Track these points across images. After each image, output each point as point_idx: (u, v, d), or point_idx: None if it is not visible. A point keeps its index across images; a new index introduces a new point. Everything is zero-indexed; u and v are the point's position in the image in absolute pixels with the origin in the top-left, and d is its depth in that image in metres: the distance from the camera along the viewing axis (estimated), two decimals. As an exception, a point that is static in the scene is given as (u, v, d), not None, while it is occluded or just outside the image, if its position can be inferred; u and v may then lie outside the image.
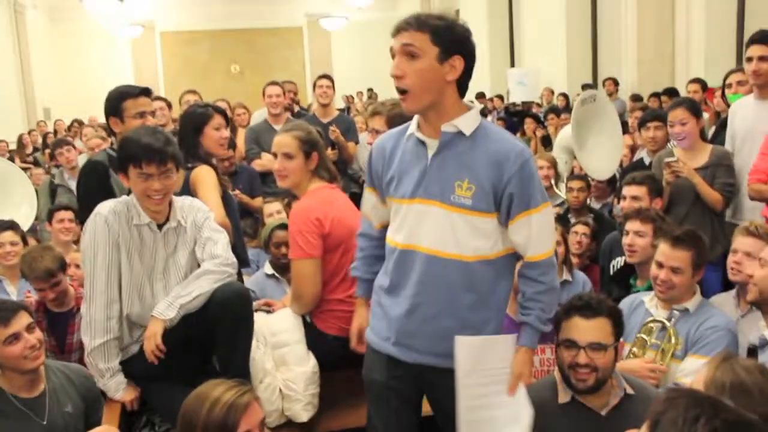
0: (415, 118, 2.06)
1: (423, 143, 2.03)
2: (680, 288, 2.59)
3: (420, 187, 2.01)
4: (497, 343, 2.05)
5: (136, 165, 2.40)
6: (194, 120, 3.22)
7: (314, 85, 5.74)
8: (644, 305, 2.69)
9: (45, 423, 2.43)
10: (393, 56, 1.96)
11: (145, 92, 3.15)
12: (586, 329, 2.11)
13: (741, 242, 2.77)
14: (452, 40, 1.93)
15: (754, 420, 1.02)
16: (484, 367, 2.03)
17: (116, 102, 3.08)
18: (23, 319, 2.39)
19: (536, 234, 2.00)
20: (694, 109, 3.72)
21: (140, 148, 2.39)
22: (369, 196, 2.27)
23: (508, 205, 1.97)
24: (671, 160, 3.63)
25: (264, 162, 4.92)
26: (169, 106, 5.75)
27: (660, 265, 2.61)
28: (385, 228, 2.20)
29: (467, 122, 1.99)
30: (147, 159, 2.38)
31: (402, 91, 1.95)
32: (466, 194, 1.96)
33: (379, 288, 2.18)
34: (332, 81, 5.70)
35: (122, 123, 3.06)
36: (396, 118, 2.64)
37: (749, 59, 3.56)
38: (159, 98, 5.55)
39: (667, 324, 2.54)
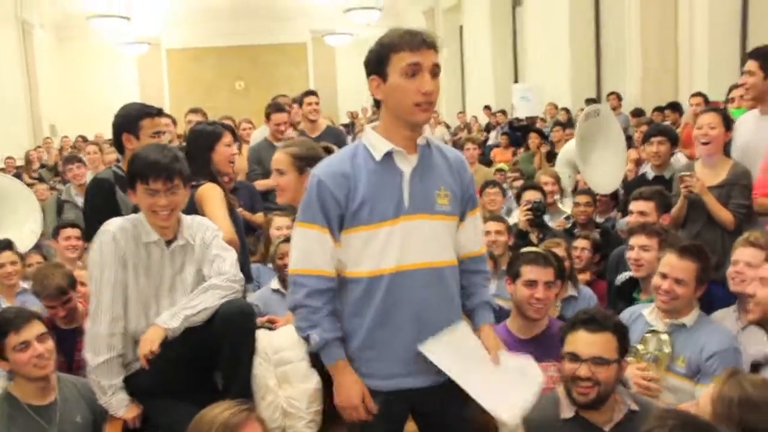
0: (377, 135, 2.04)
1: (391, 160, 2.03)
2: (682, 300, 2.58)
3: (401, 204, 2.01)
4: (456, 332, 2.09)
5: (143, 181, 2.42)
6: (207, 137, 3.23)
7: (301, 102, 5.72)
8: (644, 317, 2.68)
9: (55, 431, 2.48)
10: (415, 72, 1.93)
11: (161, 113, 3.20)
12: (589, 343, 2.10)
13: (741, 253, 2.78)
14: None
15: None
16: (463, 355, 2.06)
17: (135, 119, 3.10)
18: (35, 328, 2.47)
19: (480, 230, 2.24)
20: (726, 118, 3.68)
21: (147, 164, 2.42)
22: (321, 238, 2.01)
23: (464, 206, 2.13)
24: (685, 174, 3.60)
25: (266, 182, 4.93)
26: (174, 122, 5.79)
27: (664, 276, 2.60)
28: (337, 274, 2.07)
29: (430, 134, 2.12)
30: (154, 175, 2.40)
31: (429, 105, 1.98)
32: (444, 201, 2.07)
33: (360, 331, 2.05)
34: (318, 97, 5.70)
35: (137, 140, 3.09)
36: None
37: (743, 73, 3.64)
38: (164, 114, 5.57)
39: (662, 334, 2.54)
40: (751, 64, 3.55)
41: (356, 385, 2.05)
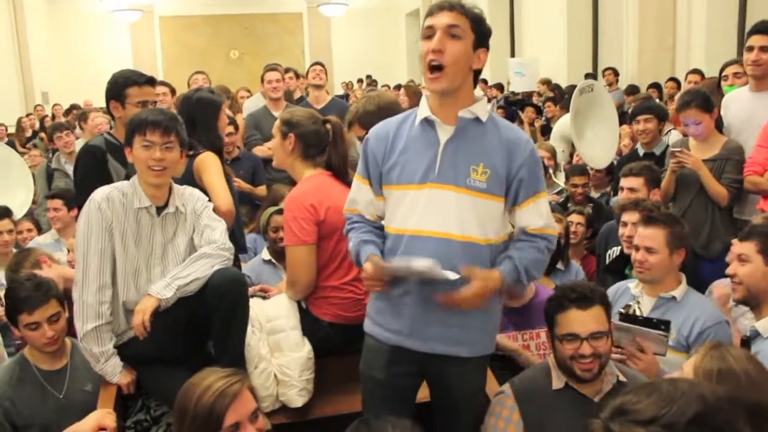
0: (425, 102, 2.08)
1: (433, 129, 2.05)
2: (658, 268, 2.61)
3: (431, 171, 2.03)
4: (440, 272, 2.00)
5: (140, 133, 2.46)
6: (213, 104, 3.27)
7: (307, 73, 5.96)
8: (629, 291, 2.72)
9: (62, 397, 2.53)
10: (428, 36, 1.97)
11: (151, 81, 3.16)
12: (585, 320, 2.12)
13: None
14: (484, 32, 2.04)
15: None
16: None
17: (121, 87, 3.08)
18: (50, 309, 2.53)
19: (547, 215, 2.11)
20: (706, 105, 3.63)
21: (146, 118, 2.49)
22: (362, 188, 2.20)
23: (516, 189, 2.06)
24: (676, 150, 3.61)
25: (264, 149, 4.92)
26: (173, 92, 5.74)
27: (637, 248, 2.66)
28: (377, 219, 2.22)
29: (482, 110, 2.07)
30: (152, 127, 2.45)
31: (436, 67, 1.97)
32: (481, 178, 2.02)
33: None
34: (325, 68, 5.91)
35: (123, 109, 3.07)
36: (365, 117, 2.72)
37: (750, 48, 3.55)
38: (163, 83, 5.55)
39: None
40: (763, 39, 3.49)
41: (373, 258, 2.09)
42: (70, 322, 2.62)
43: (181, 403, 1.83)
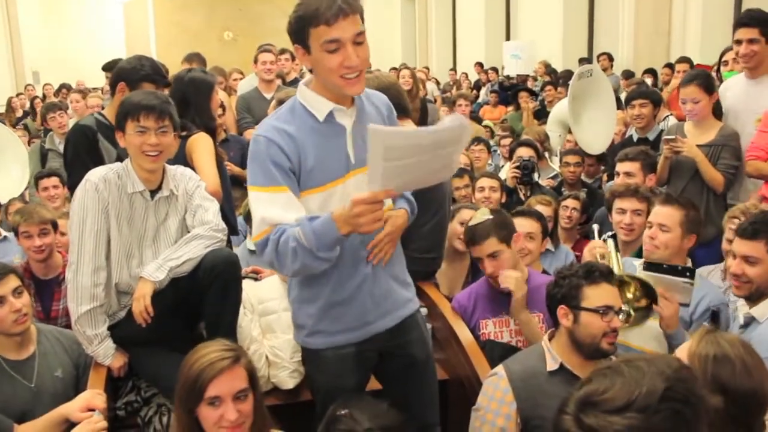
0: (315, 95, 1.96)
1: (332, 118, 1.98)
2: (669, 247, 2.62)
3: (349, 159, 1.99)
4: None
5: (133, 118, 2.41)
6: (206, 84, 3.24)
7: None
8: (635, 269, 2.70)
9: (33, 386, 2.43)
10: (336, 48, 1.84)
11: (167, 86, 3.12)
12: (615, 294, 2.18)
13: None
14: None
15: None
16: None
17: (139, 78, 3.03)
18: (10, 283, 2.38)
19: None
20: (707, 85, 3.60)
21: (139, 102, 2.43)
22: (283, 198, 1.91)
23: None
24: (670, 138, 3.60)
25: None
26: (166, 72, 5.67)
27: (650, 226, 2.68)
28: None
29: None
30: (145, 111, 2.40)
31: (358, 75, 1.90)
32: None
33: (326, 289, 2.04)
34: None
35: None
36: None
37: (738, 41, 3.53)
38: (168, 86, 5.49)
39: (610, 247, 2.60)
40: (750, 32, 3.47)
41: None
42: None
43: (182, 366, 1.86)
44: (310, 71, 2.00)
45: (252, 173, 1.96)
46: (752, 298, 2.38)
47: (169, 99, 2.56)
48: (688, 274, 2.35)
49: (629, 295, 2.43)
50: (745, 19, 3.57)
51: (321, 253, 1.85)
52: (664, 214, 2.65)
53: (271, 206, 1.90)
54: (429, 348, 2.33)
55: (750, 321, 2.36)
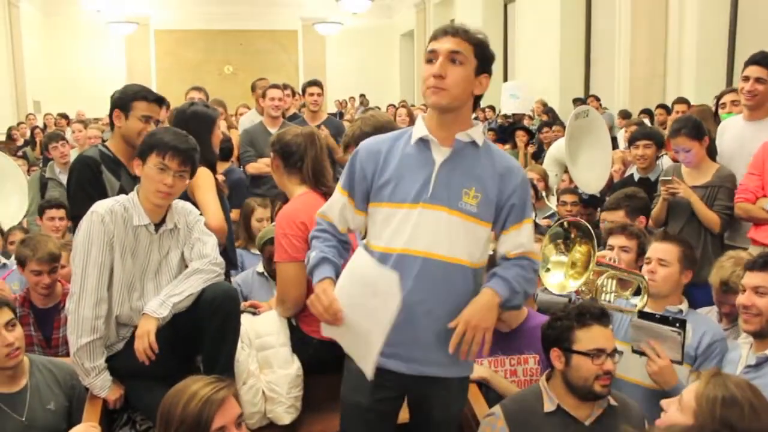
0: (422, 122, 2.08)
1: (428, 149, 2.06)
2: (667, 281, 2.68)
3: (425, 191, 2.02)
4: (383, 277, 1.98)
5: (159, 153, 2.44)
6: (208, 119, 3.27)
7: (303, 92, 5.76)
8: (632, 307, 2.72)
9: (24, 419, 2.40)
10: (430, 59, 2.00)
11: (160, 101, 3.15)
12: (608, 336, 2.17)
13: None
14: (487, 58, 2.05)
15: None
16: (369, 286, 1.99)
17: (129, 98, 3.05)
18: (3, 316, 2.35)
19: (528, 240, 2.12)
20: (696, 132, 3.63)
21: (169, 142, 2.45)
22: (341, 199, 2.17)
23: (506, 215, 2.07)
24: (666, 179, 3.64)
25: (259, 165, 4.91)
26: (167, 106, 5.70)
27: (648, 261, 2.73)
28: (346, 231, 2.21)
29: (479, 134, 2.08)
30: (172, 153, 2.44)
31: (437, 88, 1.98)
32: (472, 202, 2.03)
33: None
34: (322, 87, 5.74)
35: (125, 119, 3.04)
36: (362, 138, 2.66)
37: (746, 78, 3.58)
38: (165, 105, 5.52)
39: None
40: (759, 71, 3.53)
41: (329, 298, 2.01)
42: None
43: (166, 410, 1.83)
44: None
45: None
46: (763, 335, 2.36)
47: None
48: (677, 325, 2.36)
49: (577, 255, 2.55)
50: (758, 56, 3.63)
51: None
52: (663, 249, 2.72)
53: (333, 199, 2.21)
54: (450, 414, 2.21)
55: (763, 361, 2.34)
